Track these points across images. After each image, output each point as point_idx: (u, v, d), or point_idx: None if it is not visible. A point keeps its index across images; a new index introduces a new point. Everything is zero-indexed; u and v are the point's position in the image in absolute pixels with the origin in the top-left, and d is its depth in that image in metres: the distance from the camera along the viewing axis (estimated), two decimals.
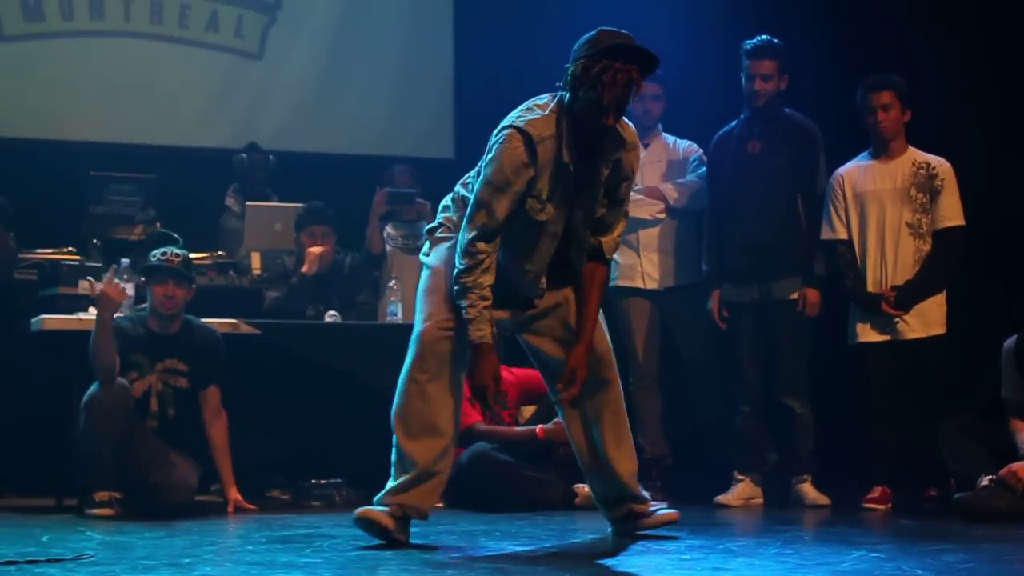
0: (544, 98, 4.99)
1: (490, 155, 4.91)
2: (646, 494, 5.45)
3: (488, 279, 4.92)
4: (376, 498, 5.12)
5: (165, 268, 6.64)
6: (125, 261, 6.72)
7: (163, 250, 6.73)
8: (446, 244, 5.12)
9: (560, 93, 4.94)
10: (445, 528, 5.84)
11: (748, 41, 7.24)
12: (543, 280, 5.12)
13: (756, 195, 7.20)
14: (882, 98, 7.00)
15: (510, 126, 4.92)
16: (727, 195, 7.31)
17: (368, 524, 5.02)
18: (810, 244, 7.18)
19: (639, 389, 7.57)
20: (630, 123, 5.13)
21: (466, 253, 4.92)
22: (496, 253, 4.96)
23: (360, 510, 5.08)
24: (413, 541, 5.32)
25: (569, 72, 4.89)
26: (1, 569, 4.34)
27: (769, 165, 7.21)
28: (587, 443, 5.29)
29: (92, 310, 6.88)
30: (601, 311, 5.27)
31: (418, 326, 5.09)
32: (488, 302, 4.93)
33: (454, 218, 5.13)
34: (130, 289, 6.65)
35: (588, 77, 4.81)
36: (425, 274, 5.19)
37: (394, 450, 5.13)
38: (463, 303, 4.93)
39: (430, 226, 5.28)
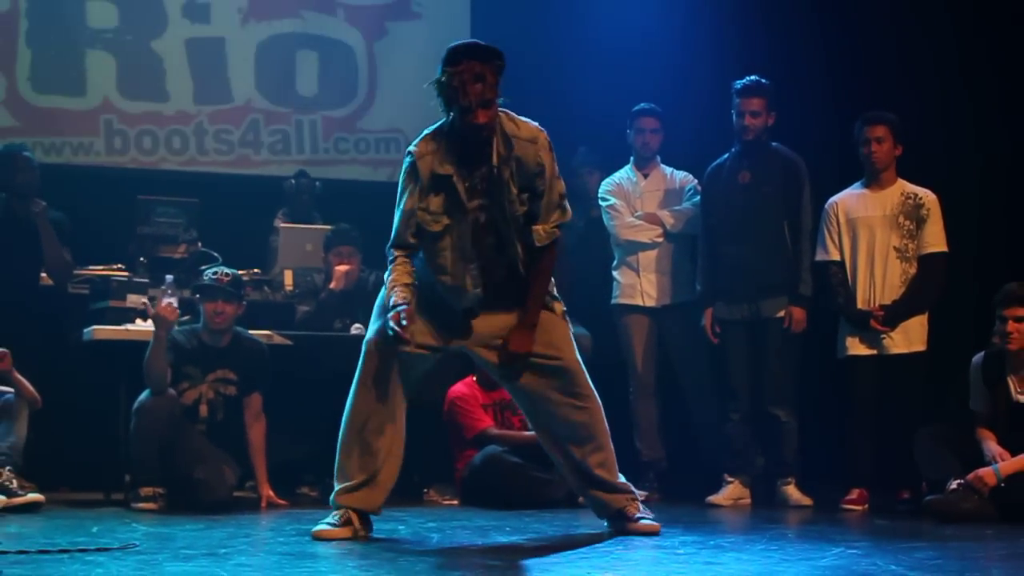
0: (440, 122, 5.04)
1: None
2: (624, 482, 5.39)
3: (402, 272, 4.99)
4: (331, 498, 5.15)
5: (215, 287, 6.68)
6: (169, 278, 6.73)
7: (214, 269, 6.78)
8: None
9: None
10: (459, 523, 5.87)
11: (738, 81, 7.27)
12: (475, 290, 5.07)
13: (746, 222, 7.22)
14: (876, 131, 7.04)
15: (407, 150, 5.05)
16: (720, 222, 7.33)
17: (328, 540, 4.97)
18: (796, 266, 7.20)
19: (638, 398, 7.60)
20: (526, 119, 5.06)
21: (388, 261, 5.07)
22: (410, 257, 5.06)
23: (315, 531, 5.03)
24: (431, 534, 5.35)
25: (436, 95, 4.93)
26: (55, 556, 4.38)
27: (758, 194, 7.23)
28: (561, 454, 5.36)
29: (139, 322, 6.93)
30: (574, 331, 5.34)
31: (367, 335, 5.14)
32: (406, 286, 4.95)
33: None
34: (174, 303, 6.69)
35: (444, 89, 4.85)
36: (383, 291, 5.18)
37: (338, 451, 5.15)
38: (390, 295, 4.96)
39: None
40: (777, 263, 7.20)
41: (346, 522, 5.03)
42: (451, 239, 5.01)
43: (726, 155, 7.41)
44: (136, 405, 6.53)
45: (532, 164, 4.98)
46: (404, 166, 5.02)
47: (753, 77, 7.25)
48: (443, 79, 4.84)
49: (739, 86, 7.25)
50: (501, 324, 5.14)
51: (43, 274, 7.47)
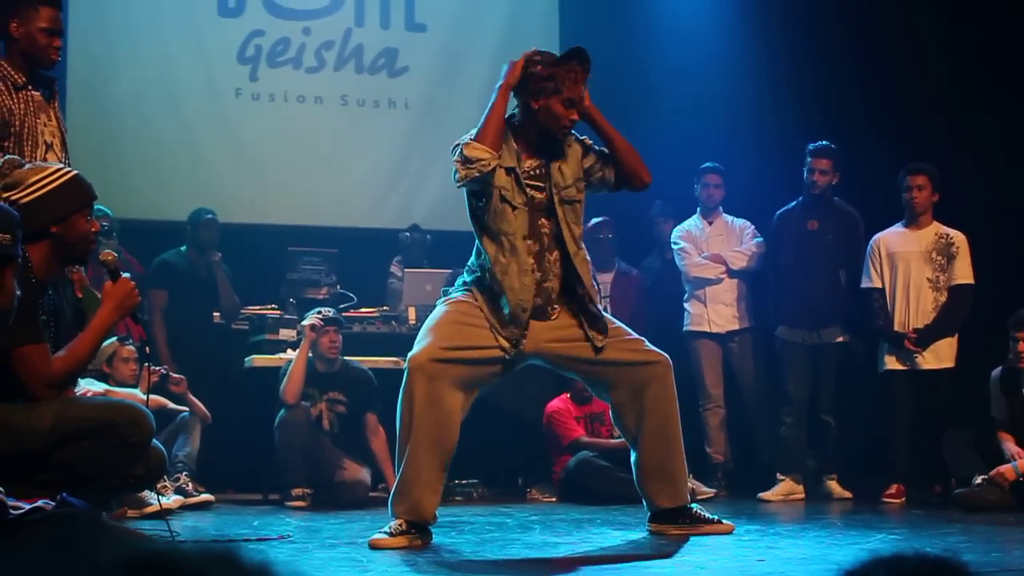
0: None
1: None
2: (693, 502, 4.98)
3: None
4: (389, 500, 4.61)
5: (328, 319, 6.78)
6: (310, 313, 6.90)
7: (317, 309, 6.87)
8: (459, 292, 4.67)
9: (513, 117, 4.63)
10: (558, 516, 5.88)
11: (812, 143, 7.25)
12: (551, 290, 4.60)
13: (811, 262, 7.21)
14: (917, 180, 7.01)
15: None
16: (787, 260, 7.31)
17: (385, 549, 4.37)
18: (850, 303, 7.18)
19: (706, 409, 7.56)
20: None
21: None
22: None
23: (371, 540, 4.44)
24: (533, 524, 5.34)
25: (525, 86, 4.53)
26: (224, 545, 4.43)
27: (822, 241, 7.22)
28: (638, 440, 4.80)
29: (290, 352, 7.03)
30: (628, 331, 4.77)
31: (412, 351, 4.49)
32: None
33: (468, 279, 4.68)
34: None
35: (543, 80, 4.48)
36: (434, 311, 4.68)
37: (404, 465, 4.51)
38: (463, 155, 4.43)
39: (445, 288, 4.84)
40: (834, 298, 7.19)
41: (401, 532, 4.47)
42: (518, 230, 4.55)
43: (793, 203, 7.39)
44: (277, 421, 6.67)
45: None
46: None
47: (824, 142, 7.23)
48: (548, 72, 4.49)
49: (812, 147, 7.23)
50: (557, 326, 4.65)
51: (215, 313, 7.62)
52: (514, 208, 4.55)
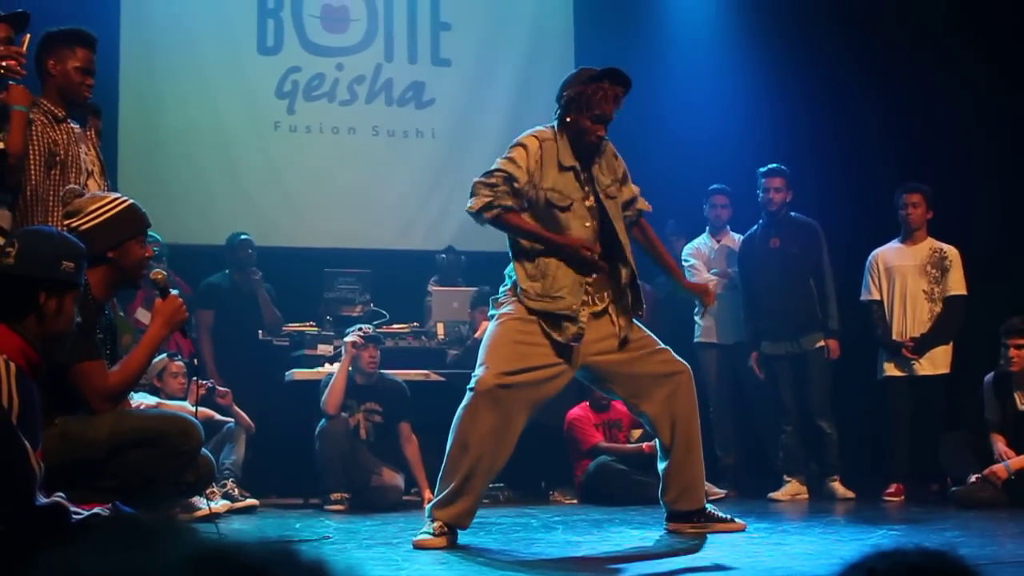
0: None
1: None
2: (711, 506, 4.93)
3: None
4: (431, 505, 4.60)
5: (371, 335, 6.82)
6: (350, 329, 6.92)
7: (358, 326, 6.90)
8: (507, 306, 4.61)
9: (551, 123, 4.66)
10: (579, 517, 5.89)
11: (762, 167, 7.28)
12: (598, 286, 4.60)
13: (781, 277, 7.18)
14: (913, 198, 7.04)
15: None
16: (757, 279, 7.28)
17: (425, 550, 4.37)
18: (825, 308, 7.14)
19: (716, 416, 7.56)
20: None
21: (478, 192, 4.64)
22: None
23: (415, 540, 4.46)
24: (555, 525, 5.37)
25: (563, 103, 4.58)
26: None
27: (787, 255, 7.21)
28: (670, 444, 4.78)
29: (327, 366, 7.07)
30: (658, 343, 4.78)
31: (477, 371, 4.50)
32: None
33: (510, 286, 4.66)
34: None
35: (581, 97, 4.52)
36: (491, 326, 4.63)
37: (461, 475, 4.48)
38: (486, 202, 4.60)
39: (494, 297, 4.78)
40: (808, 307, 7.15)
41: (442, 533, 4.47)
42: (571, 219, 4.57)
43: (755, 226, 7.40)
44: (318, 430, 6.69)
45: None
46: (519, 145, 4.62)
47: (774, 164, 7.26)
48: (585, 90, 4.52)
49: (764, 170, 7.27)
50: (606, 333, 4.65)
51: (259, 331, 7.67)
52: (566, 208, 4.57)
